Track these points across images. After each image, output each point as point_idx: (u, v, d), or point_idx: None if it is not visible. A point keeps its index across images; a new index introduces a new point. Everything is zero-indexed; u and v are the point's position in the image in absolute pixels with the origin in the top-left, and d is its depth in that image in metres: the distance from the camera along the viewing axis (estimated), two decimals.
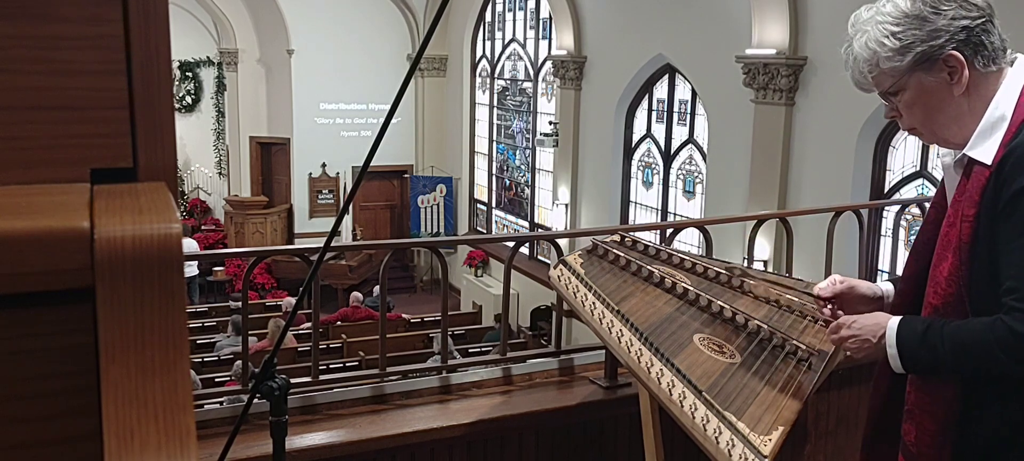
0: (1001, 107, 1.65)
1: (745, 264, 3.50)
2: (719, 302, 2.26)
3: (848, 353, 2.01)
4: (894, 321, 1.75)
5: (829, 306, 2.03)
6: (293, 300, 11.49)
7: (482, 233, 15.13)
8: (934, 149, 7.36)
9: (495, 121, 15.11)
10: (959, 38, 1.63)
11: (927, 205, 4.53)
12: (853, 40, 1.73)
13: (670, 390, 1.91)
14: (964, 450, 1.73)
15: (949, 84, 1.66)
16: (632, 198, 11.42)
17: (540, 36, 13.62)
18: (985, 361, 1.60)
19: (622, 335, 2.05)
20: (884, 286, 2.05)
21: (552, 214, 12.71)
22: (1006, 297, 1.56)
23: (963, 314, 1.66)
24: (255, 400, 1.65)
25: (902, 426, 1.79)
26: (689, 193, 10.46)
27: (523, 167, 14.34)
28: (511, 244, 3.33)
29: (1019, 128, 1.61)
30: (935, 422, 1.73)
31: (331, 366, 8.62)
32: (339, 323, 10.74)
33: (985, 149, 1.64)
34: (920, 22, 1.64)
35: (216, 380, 8.14)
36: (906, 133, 7.70)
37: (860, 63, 1.72)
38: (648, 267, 2.36)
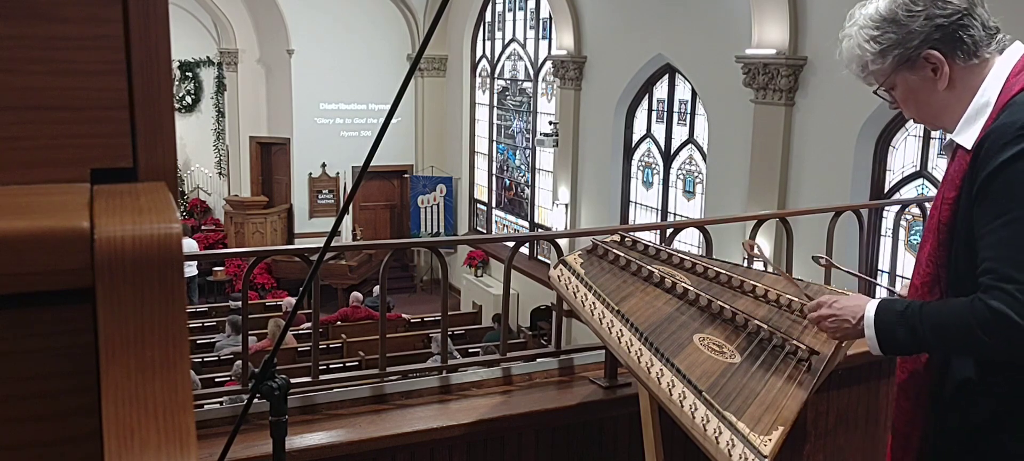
0: (986, 94, 1.68)
1: (745, 264, 3.50)
2: (719, 302, 2.26)
3: (828, 335, 2.02)
4: (872, 303, 1.78)
5: None
6: (293, 300, 11.49)
7: (482, 233, 15.13)
8: (934, 149, 7.38)
9: (495, 121, 15.11)
10: (934, 37, 1.66)
11: (927, 205, 4.54)
12: (842, 43, 1.80)
13: (670, 390, 1.91)
14: (946, 435, 1.76)
15: (933, 80, 1.70)
16: (632, 198, 11.42)
17: (540, 36, 13.62)
18: (965, 340, 1.62)
19: (622, 335, 2.05)
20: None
21: (552, 214, 12.71)
22: (983, 277, 1.58)
23: (940, 294, 1.71)
24: (255, 400, 1.65)
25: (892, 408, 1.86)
26: (689, 193, 10.46)
27: (523, 167, 14.34)
28: (511, 244, 3.33)
29: (999, 113, 1.63)
30: (908, 400, 1.79)
31: (331, 366, 8.62)
32: (339, 323, 10.74)
33: (968, 134, 1.67)
34: (895, 25, 1.68)
35: (216, 380, 8.14)
36: (906, 133, 7.63)
37: (851, 64, 1.79)
38: (648, 267, 2.36)
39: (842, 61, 1.82)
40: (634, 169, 11.36)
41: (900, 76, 1.72)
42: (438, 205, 15.79)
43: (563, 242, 4.74)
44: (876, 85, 1.78)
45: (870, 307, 1.77)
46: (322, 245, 1.61)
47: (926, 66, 1.68)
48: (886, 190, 7.67)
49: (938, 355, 1.74)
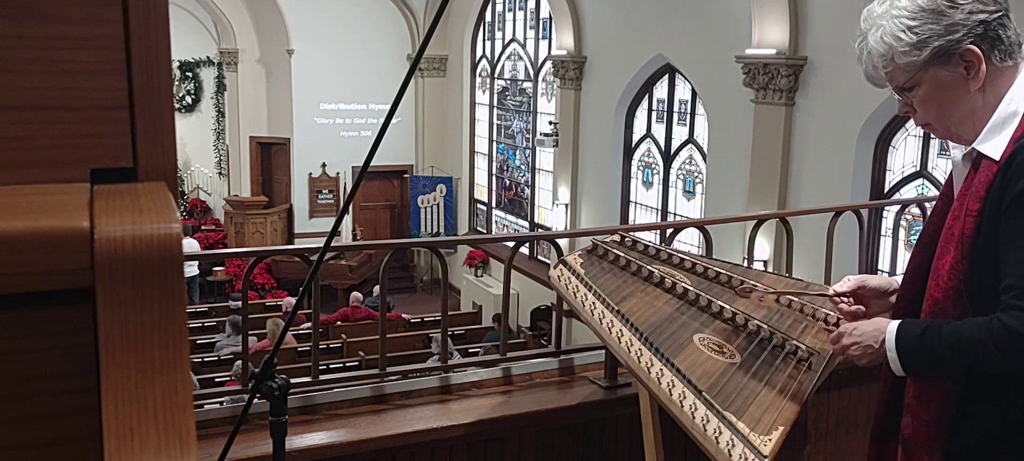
0: (1014, 103, 1.64)
1: (745, 264, 3.50)
2: (719, 302, 2.26)
3: (854, 361, 2.00)
4: (893, 325, 1.75)
5: (846, 301, 2.06)
6: (293, 300, 11.49)
7: (482, 233, 15.13)
8: (934, 149, 7.38)
9: (495, 121, 15.11)
10: (977, 32, 1.61)
11: (927, 205, 4.55)
12: (867, 35, 1.71)
13: (670, 390, 1.91)
14: (959, 444, 1.72)
15: (965, 79, 1.65)
16: (632, 198, 11.42)
17: (540, 36, 13.62)
18: (982, 360, 1.60)
19: (622, 335, 2.05)
20: (899, 280, 2.06)
21: (552, 214, 12.71)
22: (1004, 295, 1.56)
23: (963, 308, 1.66)
24: (255, 400, 1.65)
25: (902, 419, 1.79)
26: (689, 193, 10.46)
27: (523, 167, 14.34)
28: (511, 244, 3.33)
29: None
30: (930, 413, 1.73)
31: (331, 366, 8.62)
32: (339, 323, 10.74)
33: (994, 144, 1.63)
34: (937, 16, 1.62)
35: (216, 380, 8.14)
36: (906, 133, 7.61)
37: (875, 58, 1.70)
38: (648, 267, 2.36)
39: (861, 55, 1.73)
40: (634, 169, 11.36)
41: (931, 73, 1.65)
42: (438, 205, 15.79)
43: (563, 242, 4.74)
44: (897, 83, 1.71)
45: (890, 330, 1.74)
46: (322, 245, 1.61)
47: (961, 63, 1.63)
48: (886, 190, 7.67)
49: (956, 373, 1.70)
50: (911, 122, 7.84)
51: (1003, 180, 1.58)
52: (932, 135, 2.54)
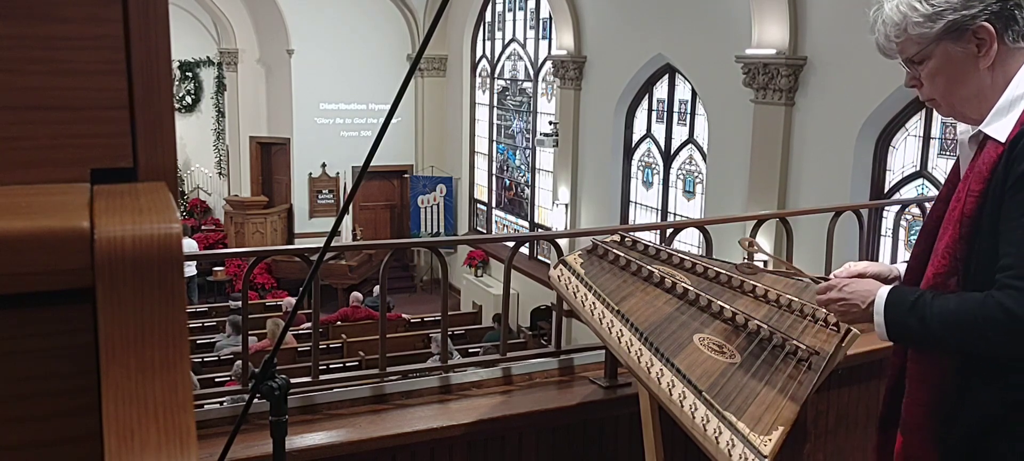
0: (1021, 86, 1.63)
1: (745, 259, 3.50)
2: (719, 302, 2.26)
3: (838, 318, 1.99)
4: (884, 289, 1.75)
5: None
6: (293, 300, 11.49)
7: (482, 233, 15.13)
8: (934, 150, 7.37)
9: (495, 121, 15.11)
10: (992, 9, 1.62)
11: (927, 205, 4.55)
12: (883, 3, 1.72)
13: (670, 390, 1.91)
14: (957, 426, 1.72)
15: (976, 56, 1.65)
16: (632, 198, 11.42)
17: (540, 36, 13.62)
18: (972, 337, 1.59)
19: (622, 335, 2.05)
20: (901, 267, 2.05)
21: (552, 214, 12.71)
22: (1000, 274, 1.55)
23: (955, 288, 1.66)
24: (255, 400, 1.65)
25: (903, 401, 1.79)
26: (689, 193, 10.46)
27: (523, 167, 14.34)
28: (511, 244, 3.33)
29: None
30: (929, 393, 1.73)
31: (331, 366, 8.62)
32: (339, 323, 10.74)
33: (1000, 126, 1.62)
34: None
35: (216, 380, 8.14)
36: (906, 133, 7.59)
37: (888, 27, 1.70)
38: (648, 267, 2.36)
39: (875, 22, 1.73)
40: (634, 169, 11.36)
41: (942, 46, 1.65)
42: (438, 205, 15.79)
43: (563, 242, 4.74)
44: (907, 54, 1.71)
45: (881, 292, 1.74)
46: (322, 245, 1.61)
47: (973, 40, 1.63)
48: (886, 190, 7.67)
49: (946, 349, 1.69)
50: (910, 122, 7.81)
51: (1007, 161, 1.58)
52: (935, 111, 2.52)
